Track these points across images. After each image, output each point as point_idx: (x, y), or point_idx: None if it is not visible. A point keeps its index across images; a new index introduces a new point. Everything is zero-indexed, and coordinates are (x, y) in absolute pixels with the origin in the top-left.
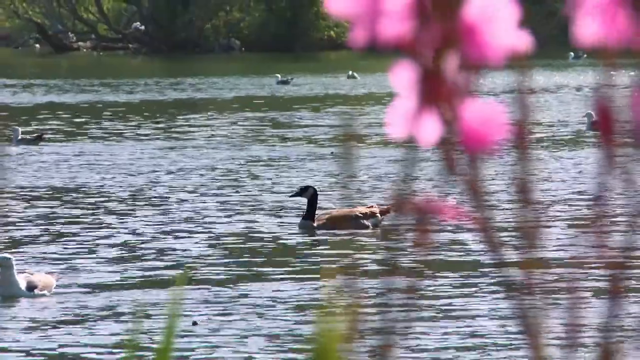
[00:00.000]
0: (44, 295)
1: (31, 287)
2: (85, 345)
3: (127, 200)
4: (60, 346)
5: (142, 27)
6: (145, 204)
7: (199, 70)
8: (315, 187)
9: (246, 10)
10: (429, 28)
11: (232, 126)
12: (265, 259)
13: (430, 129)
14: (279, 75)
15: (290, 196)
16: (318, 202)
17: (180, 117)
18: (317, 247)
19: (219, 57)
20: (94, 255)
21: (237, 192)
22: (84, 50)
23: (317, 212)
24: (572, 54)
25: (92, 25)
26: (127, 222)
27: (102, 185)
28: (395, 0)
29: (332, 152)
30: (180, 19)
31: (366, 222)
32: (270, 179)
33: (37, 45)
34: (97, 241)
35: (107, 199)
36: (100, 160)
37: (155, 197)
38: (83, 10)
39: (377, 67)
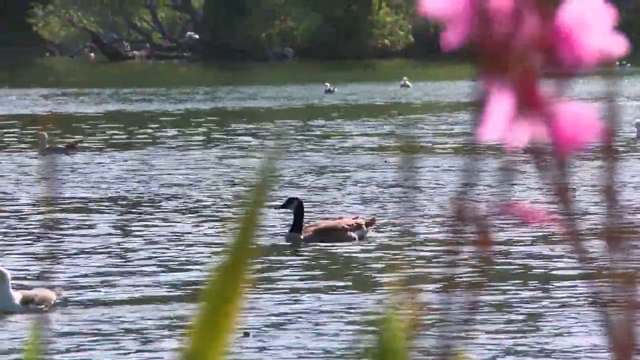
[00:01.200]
0: (39, 310)
1: (26, 301)
2: None
3: (167, 209)
4: None
5: (196, 36)
6: (186, 213)
7: (252, 79)
8: (300, 198)
9: (300, 19)
10: (524, 30)
11: (272, 135)
12: (319, 269)
13: (519, 133)
14: (328, 84)
15: (276, 208)
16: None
17: (230, 126)
18: (370, 257)
19: (272, 65)
20: (123, 268)
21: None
22: (139, 59)
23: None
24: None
25: (147, 33)
26: (164, 231)
27: (141, 195)
28: (490, 1)
29: (385, 161)
30: (235, 27)
31: (352, 234)
32: (321, 188)
33: (92, 54)
34: (129, 253)
35: (145, 208)
36: (140, 169)
37: (196, 206)
38: (137, 19)
39: (430, 75)
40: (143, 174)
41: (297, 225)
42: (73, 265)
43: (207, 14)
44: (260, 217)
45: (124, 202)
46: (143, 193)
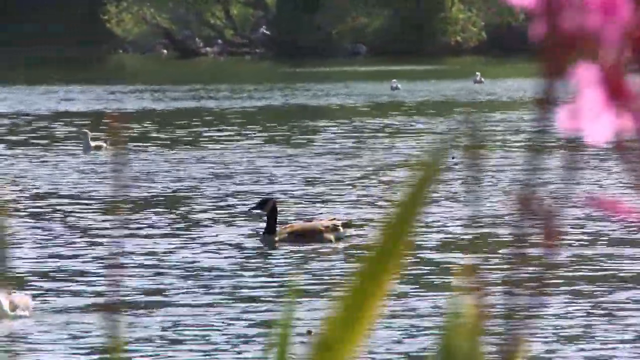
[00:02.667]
0: (23, 316)
1: (13, 307)
2: None
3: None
4: None
5: (268, 32)
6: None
7: (323, 76)
8: (275, 199)
9: (373, 15)
10: (617, 23)
11: (345, 133)
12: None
13: (606, 127)
14: (394, 81)
15: (249, 210)
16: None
17: (299, 123)
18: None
19: (344, 62)
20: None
21: (341, 201)
22: (211, 55)
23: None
24: None
25: (219, 30)
26: (239, 230)
27: (210, 193)
28: None
29: (453, 157)
30: (307, 23)
31: (329, 236)
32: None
33: (165, 51)
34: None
35: (214, 206)
36: (211, 166)
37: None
38: (210, 15)
39: (503, 72)
40: (214, 170)
41: (270, 227)
42: (144, 267)
43: (279, 10)
44: (418, 215)
45: (191, 200)
46: (213, 190)
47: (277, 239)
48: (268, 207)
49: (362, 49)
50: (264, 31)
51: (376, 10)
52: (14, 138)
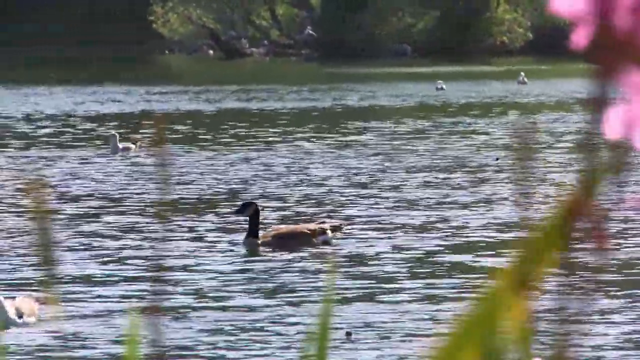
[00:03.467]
0: (29, 323)
1: (19, 314)
2: None
3: (287, 209)
4: None
5: (314, 33)
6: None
7: (368, 76)
8: (257, 203)
9: (418, 16)
10: None
11: (389, 134)
12: (430, 276)
13: None
14: (439, 82)
15: (231, 213)
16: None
17: (343, 124)
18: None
19: (389, 62)
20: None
21: (380, 204)
22: (256, 55)
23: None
24: None
25: (265, 31)
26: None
27: (236, 194)
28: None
29: (496, 159)
30: (352, 24)
31: (315, 240)
32: (432, 186)
33: (210, 51)
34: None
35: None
36: (257, 167)
37: (314, 204)
38: (256, 16)
39: (548, 73)
40: (258, 172)
41: (253, 231)
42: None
43: (324, 10)
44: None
45: (234, 201)
46: (256, 191)
47: (259, 242)
48: (250, 211)
49: (407, 50)
50: (309, 32)
51: (421, 10)
52: (56, 140)
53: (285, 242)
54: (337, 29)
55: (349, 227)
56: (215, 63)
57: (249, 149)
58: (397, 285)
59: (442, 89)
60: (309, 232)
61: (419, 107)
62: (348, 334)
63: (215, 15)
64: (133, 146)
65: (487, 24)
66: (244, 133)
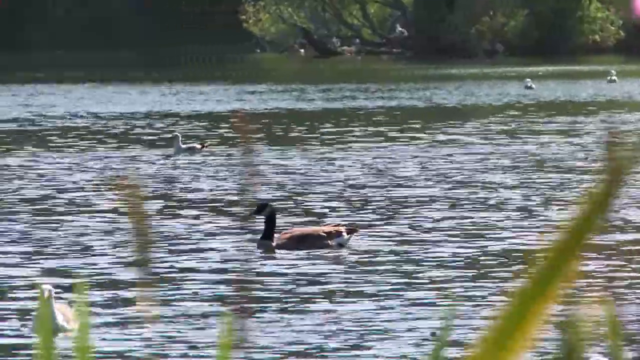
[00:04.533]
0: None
1: (68, 319)
2: None
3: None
4: None
5: (405, 32)
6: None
7: (459, 75)
8: (273, 204)
9: (510, 15)
10: None
11: (480, 132)
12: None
13: None
14: (528, 81)
15: (249, 214)
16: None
17: (434, 123)
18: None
19: (481, 61)
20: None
21: (475, 204)
22: (348, 54)
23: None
24: None
25: (357, 29)
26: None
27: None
28: None
29: (586, 158)
30: (444, 23)
31: (331, 242)
32: (515, 187)
33: (302, 50)
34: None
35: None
36: (350, 165)
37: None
38: (348, 15)
39: (639, 72)
40: (347, 169)
41: (268, 232)
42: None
43: (416, 9)
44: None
45: (316, 199)
46: (338, 189)
47: (274, 244)
48: (267, 212)
49: (499, 48)
50: (401, 30)
51: (514, 9)
52: (137, 138)
53: (299, 244)
54: (429, 27)
55: (374, 229)
56: (307, 62)
57: (338, 147)
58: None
59: (531, 87)
60: (324, 234)
61: (507, 105)
62: (433, 334)
63: (307, 14)
64: (198, 147)
65: (578, 22)
66: (333, 131)
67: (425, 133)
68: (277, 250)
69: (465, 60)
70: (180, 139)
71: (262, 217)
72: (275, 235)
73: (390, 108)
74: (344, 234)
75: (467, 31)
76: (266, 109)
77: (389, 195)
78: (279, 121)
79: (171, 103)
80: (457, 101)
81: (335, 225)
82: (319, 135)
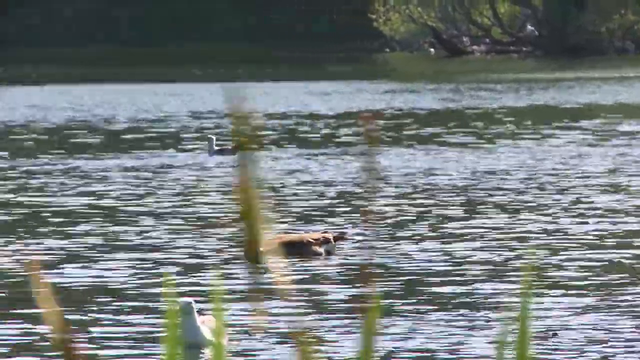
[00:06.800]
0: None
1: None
2: None
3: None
4: None
5: (536, 31)
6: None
7: (590, 74)
8: None
9: None
10: None
11: (619, 134)
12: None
13: None
14: None
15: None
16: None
17: (564, 122)
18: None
19: (611, 60)
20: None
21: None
22: (478, 54)
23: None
24: None
25: (486, 29)
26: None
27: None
28: None
29: None
30: (574, 22)
31: (318, 249)
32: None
33: (432, 50)
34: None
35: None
36: (474, 165)
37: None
38: (477, 14)
39: None
40: (477, 169)
41: None
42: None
43: (547, 8)
44: None
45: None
46: (479, 188)
47: (262, 250)
48: None
49: (629, 47)
50: (532, 30)
51: None
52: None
53: (288, 250)
54: (560, 26)
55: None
56: (437, 61)
57: (469, 146)
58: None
59: None
60: (312, 241)
61: (636, 107)
62: (554, 334)
63: (437, 14)
64: (230, 148)
65: None
66: (468, 131)
67: (554, 131)
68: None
69: (596, 59)
70: (214, 140)
71: None
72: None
73: (518, 107)
74: (332, 241)
75: (598, 29)
76: (398, 108)
77: (531, 189)
78: (412, 120)
79: (302, 102)
80: (588, 100)
81: (322, 233)
82: (448, 134)
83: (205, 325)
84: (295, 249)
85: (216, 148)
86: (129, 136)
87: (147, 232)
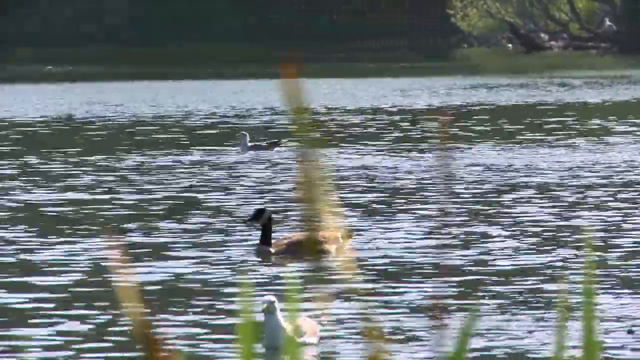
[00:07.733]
0: (310, 343)
1: (300, 334)
2: None
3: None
4: None
5: (614, 27)
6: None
7: None
8: (270, 209)
9: None
10: None
11: None
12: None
13: None
14: None
15: (246, 221)
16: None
17: (632, 118)
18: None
19: None
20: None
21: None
22: (555, 49)
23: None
24: None
25: (564, 24)
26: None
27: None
28: None
29: None
30: None
31: (329, 248)
32: None
33: (509, 45)
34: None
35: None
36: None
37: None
38: (555, 9)
39: None
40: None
41: (266, 238)
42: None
43: (626, 3)
44: None
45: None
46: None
47: (273, 250)
48: (264, 218)
49: None
50: (610, 24)
51: None
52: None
53: (299, 250)
54: (639, 21)
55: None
56: (515, 56)
57: (552, 142)
58: None
59: None
60: (323, 240)
61: None
62: (630, 331)
63: (515, 9)
64: (264, 144)
65: None
66: (549, 127)
67: (624, 127)
68: (274, 257)
69: None
70: (247, 137)
71: (261, 224)
72: (273, 240)
73: (596, 103)
74: (340, 239)
75: None
76: (477, 103)
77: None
78: (489, 116)
79: (382, 97)
80: None
81: (332, 231)
82: (528, 130)
83: (299, 326)
84: (307, 248)
85: (250, 144)
86: (207, 132)
87: (215, 228)
